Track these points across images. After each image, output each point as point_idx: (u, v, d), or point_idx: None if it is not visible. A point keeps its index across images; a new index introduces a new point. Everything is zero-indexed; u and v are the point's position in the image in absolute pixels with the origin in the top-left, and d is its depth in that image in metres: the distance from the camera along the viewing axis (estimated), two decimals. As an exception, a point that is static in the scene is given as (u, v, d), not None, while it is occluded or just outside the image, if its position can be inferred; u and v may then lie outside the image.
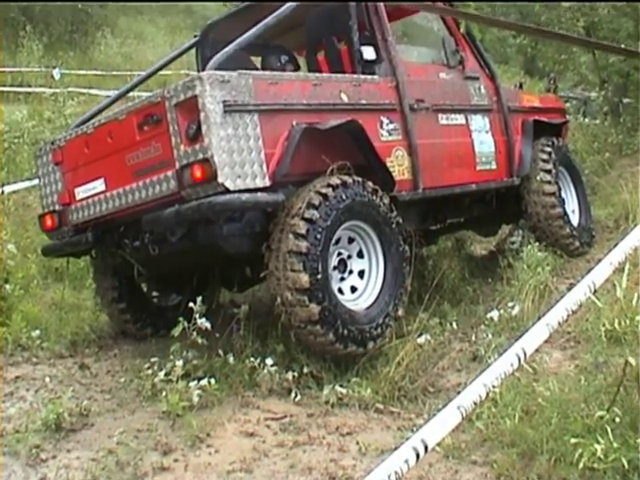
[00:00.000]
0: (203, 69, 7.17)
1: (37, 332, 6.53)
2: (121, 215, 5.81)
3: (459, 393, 3.19)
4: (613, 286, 4.40)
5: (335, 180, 5.53)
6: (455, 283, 7.25)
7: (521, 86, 8.98)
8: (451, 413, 3.00)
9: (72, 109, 12.32)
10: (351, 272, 5.82)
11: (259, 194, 5.29)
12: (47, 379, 5.71)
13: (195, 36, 7.88)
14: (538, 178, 7.74)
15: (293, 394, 5.18)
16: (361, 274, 5.84)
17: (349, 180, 5.61)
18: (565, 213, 7.83)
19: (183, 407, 4.79)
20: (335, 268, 5.70)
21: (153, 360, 5.37)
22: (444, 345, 5.92)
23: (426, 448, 2.83)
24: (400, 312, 5.82)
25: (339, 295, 5.59)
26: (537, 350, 5.46)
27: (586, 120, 14.73)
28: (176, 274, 6.56)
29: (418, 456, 2.80)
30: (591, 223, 8.44)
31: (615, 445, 3.43)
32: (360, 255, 5.85)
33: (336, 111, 5.92)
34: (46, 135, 11.11)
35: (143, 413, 5.11)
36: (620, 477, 3.47)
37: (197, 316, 5.10)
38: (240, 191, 5.17)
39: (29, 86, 17.40)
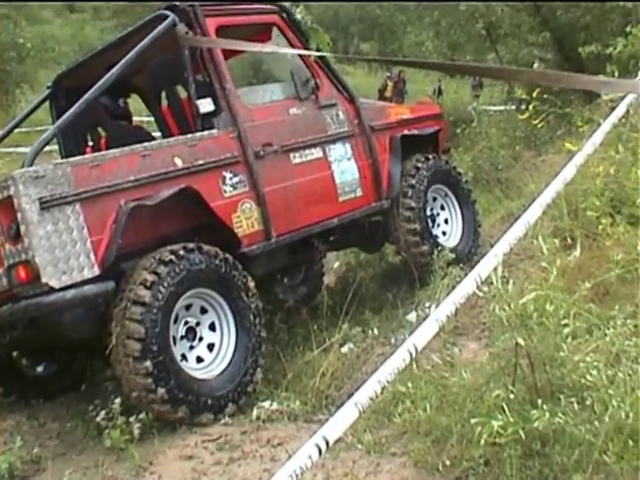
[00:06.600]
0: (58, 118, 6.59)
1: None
2: None
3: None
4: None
5: (165, 255, 5.44)
6: (376, 291, 7.59)
7: (440, 90, 9.03)
8: (349, 410, 3.36)
9: (-1, 171, 12.42)
10: (201, 339, 5.75)
11: (86, 287, 5.16)
12: (-4, 433, 5.92)
13: (48, 87, 7.44)
14: (401, 192, 7.55)
15: (227, 417, 5.44)
16: (211, 346, 5.76)
17: (180, 252, 5.51)
18: (426, 230, 7.59)
19: (125, 441, 5.04)
20: (183, 337, 5.62)
21: (96, 402, 5.57)
22: (367, 351, 6.21)
23: (327, 444, 3.18)
24: (258, 376, 5.77)
25: (186, 364, 5.55)
26: (453, 344, 5.88)
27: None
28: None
29: (320, 452, 3.15)
30: (473, 248, 8.03)
31: (512, 420, 3.76)
32: (212, 326, 5.79)
33: (169, 179, 5.73)
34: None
35: (90, 452, 5.37)
36: (521, 446, 3.77)
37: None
38: (67, 287, 5.08)
39: (-47, 154, 17.34)
